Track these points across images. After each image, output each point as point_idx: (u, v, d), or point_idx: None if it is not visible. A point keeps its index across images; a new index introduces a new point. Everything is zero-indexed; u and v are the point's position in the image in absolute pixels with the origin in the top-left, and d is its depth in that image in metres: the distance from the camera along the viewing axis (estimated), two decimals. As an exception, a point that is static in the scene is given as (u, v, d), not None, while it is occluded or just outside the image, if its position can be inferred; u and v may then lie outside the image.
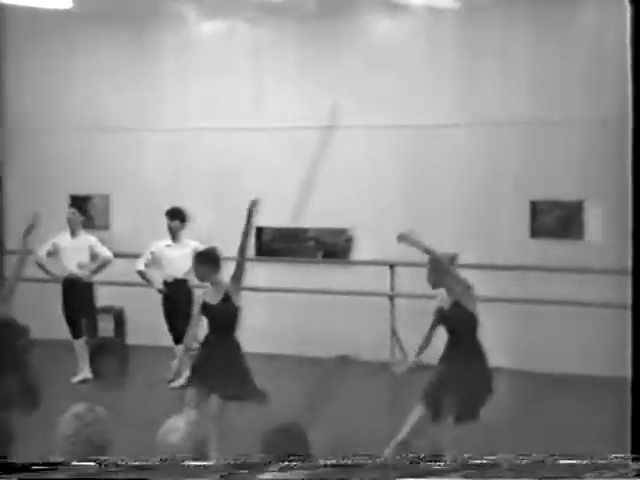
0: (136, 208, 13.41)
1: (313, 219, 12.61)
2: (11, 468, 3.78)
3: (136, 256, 11.71)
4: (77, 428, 4.32)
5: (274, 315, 12.64)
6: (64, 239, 11.70)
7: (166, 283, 11.39)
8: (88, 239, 11.75)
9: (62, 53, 13.66)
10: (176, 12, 12.64)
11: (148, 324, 12.22)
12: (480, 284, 11.52)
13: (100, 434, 4.38)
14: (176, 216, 11.39)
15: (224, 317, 8.08)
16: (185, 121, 13.13)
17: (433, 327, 7.79)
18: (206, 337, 8.23)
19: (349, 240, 12.68)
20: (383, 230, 12.28)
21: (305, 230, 12.85)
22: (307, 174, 12.52)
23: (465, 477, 3.75)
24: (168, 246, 11.40)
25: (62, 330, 11.76)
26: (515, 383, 9.10)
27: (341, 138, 12.28)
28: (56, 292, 11.76)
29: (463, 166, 12.01)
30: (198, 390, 8.03)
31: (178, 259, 11.24)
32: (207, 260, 8.29)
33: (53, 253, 11.70)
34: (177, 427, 4.44)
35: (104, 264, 11.67)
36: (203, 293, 8.25)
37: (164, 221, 11.38)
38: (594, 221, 11.48)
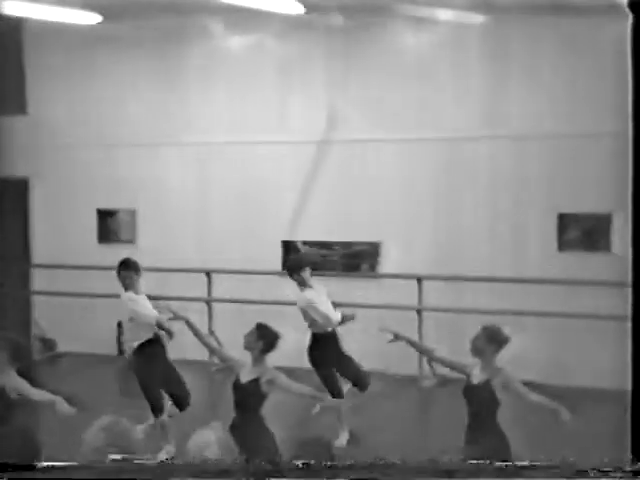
0: (162, 223, 13.37)
1: (340, 232, 12.58)
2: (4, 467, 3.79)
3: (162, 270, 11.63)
4: (107, 440, 4.30)
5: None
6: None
7: None
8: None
9: (86, 68, 13.62)
10: (202, 26, 12.63)
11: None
12: (511, 298, 11.49)
13: (128, 444, 4.37)
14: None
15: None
16: (211, 135, 13.09)
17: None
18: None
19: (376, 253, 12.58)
20: (412, 243, 12.19)
21: (331, 243, 12.75)
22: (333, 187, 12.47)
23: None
24: None
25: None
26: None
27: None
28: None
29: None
30: None
31: None
32: (254, 332, 7.24)
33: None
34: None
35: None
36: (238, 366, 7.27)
37: (191, 235, 11.30)
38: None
